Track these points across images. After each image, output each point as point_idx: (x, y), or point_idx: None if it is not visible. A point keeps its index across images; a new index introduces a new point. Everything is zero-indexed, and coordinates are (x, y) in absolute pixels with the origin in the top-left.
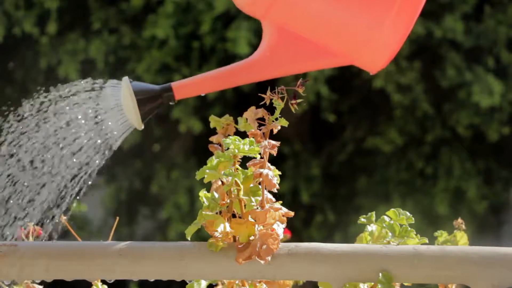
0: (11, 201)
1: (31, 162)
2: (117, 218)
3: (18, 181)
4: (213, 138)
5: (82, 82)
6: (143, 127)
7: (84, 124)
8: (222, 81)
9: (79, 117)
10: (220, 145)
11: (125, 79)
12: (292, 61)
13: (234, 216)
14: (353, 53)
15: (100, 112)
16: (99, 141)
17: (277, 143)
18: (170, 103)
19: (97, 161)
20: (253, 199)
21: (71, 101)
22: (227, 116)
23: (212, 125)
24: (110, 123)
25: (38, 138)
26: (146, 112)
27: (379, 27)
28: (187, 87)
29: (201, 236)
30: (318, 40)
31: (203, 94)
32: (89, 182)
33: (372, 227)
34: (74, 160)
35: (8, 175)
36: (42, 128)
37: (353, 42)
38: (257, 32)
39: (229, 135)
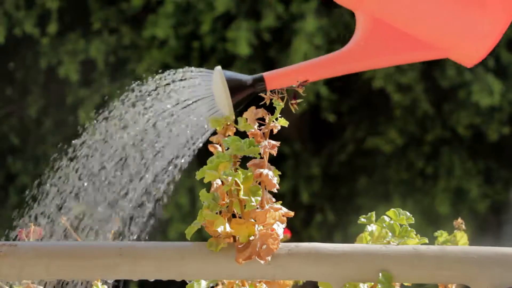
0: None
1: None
2: (117, 218)
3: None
4: (213, 138)
5: (173, 71)
6: (234, 117)
7: (176, 114)
8: (314, 72)
9: (172, 106)
10: (220, 145)
11: (218, 68)
12: (386, 53)
13: (234, 216)
14: (451, 45)
15: (192, 101)
16: (189, 131)
17: (277, 143)
18: (261, 94)
19: (188, 152)
20: (253, 199)
21: (165, 90)
22: (227, 116)
23: (211, 125)
24: (201, 113)
25: (134, 128)
26: (238, 101)
27: (481, 18)
28: (279, 78)
29: (202, 236)
30: (414, 32)
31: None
32: (179, 171)
33: (372, 227)
34: (166, 150)
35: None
36: (138, 118)
37: (453, 34)
38: (257, 32)
39: (229, 135)
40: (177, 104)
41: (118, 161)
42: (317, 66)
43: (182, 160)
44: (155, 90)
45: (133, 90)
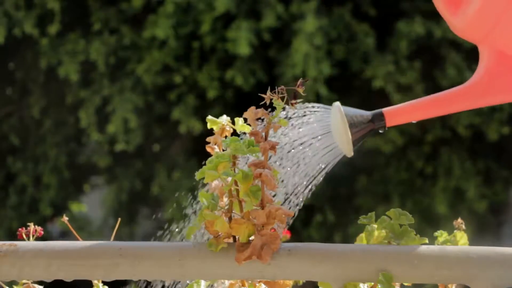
0: None
1: None
2: (119, 219)
3: None
4: (210, 139)
5: (297, 106)
6: (352, 154)
7: (297, 147)
8: (437, 109)
9: (293, 140)
10: (217, 146)
11: (337, 104)
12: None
13: (234, 216)
14: None
15: (311, 136)
16: (309, 166)
17: (277, 143)
18: (380, 131)
19: (305, 187)
20: (253, 199)
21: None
22: (224, 116)
23: (209, 126)
24: (318, 149)
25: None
26: (358, 138)
27: None
28: (399, 115)
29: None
30: None
31: (413, 121)
32: (298, 207)
33: (372, 227)
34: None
35: None
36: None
37: None
38: (257, 32)
39: (226, 136)
40: (296, 140)
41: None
42: (439, 102)
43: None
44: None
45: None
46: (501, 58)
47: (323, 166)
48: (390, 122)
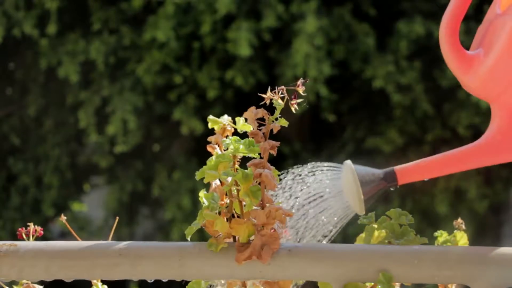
0: None
1: None
2: (117, 218)
3: None
4: (211, 139)
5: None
6: (364, 212)
7: (309, 206)
8: (449, 167)
9: (304, 199)
10: (219, 145)
11: (348, 163)
12: None
13: (234, 216)
14: None
15: (322, 196)
16: (320, 225)
17: (277, 143)
18: (391, 189)
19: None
20: (253, 199)
21: (300, 183)
22: (225, 116)
23: (210, 126)
24: (330, 207)
25: None
26: (369, 197)
27: None
28: (411, 173)
29: (204, 237)
30: None
31: (425, 179)
32: None
33: (372, 227)
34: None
35: None
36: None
37: None
38: (258, 33)
39: (227, 136)
40: (307, 199)
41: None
42: (451, 160)
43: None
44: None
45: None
46: None
47: (334, 226)
48: (402, 180)
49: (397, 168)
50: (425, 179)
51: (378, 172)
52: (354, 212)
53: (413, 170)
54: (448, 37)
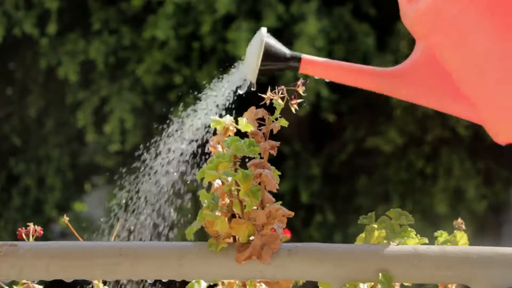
0: None
1: None
2: (119, 218)
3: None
4: (213, 138)
5: None
6: (254, 82)
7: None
8: (349, 76)
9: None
10: (221, 146)
11: (264, 30)
12: (428, 91)
13: (234, 216)
14: (488, 118)
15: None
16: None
17: (277, 143)
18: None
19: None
20: (253, 199)
21: None
22: (227, 116)
23: (212, 126)
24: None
25: None
26: (266, 70)
27: None
28: (314, 65)
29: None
30: (462, 86)
31: (326, 80)
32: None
33: (372, 227)
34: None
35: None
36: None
37: (493, 109)
38: None
39: (229, 136)
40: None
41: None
42: (353, 70)
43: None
44: None
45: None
46: (431, 61)
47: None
48: (304, 68)
49: (305, 56)
50: (326, 80)
51: (287, 51)
52: (247, 81)
53: (319, 64)
54: None
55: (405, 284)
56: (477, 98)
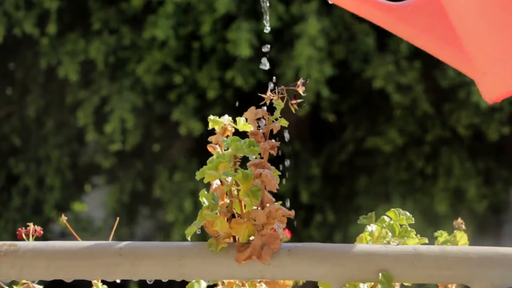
0: None
1: None
2: (117, 218)
3: None
4: (212, 138)
5: None
6: None
7: None
8: (359, 3)
9: None
10: (219, 145)
11: None
12: (424, 30)
13: (234, 216)
14: (482, 65)
15: None
16: None
17: (277, 143)
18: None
19: None
20: (253, 199)
21: None
22: (226, 116)
23: (211, 126)
24: None
25: None
26: None
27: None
28: None
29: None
30: (459, 26)
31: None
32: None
33: (372, 227)
34: None
35: None
36: None
37: (483, 60)
38: (258, 33)
39: (228, 136)
40: None
41: None
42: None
43: None
44: None
45: None
46: (432, 1)
47: None
48: None
49: None
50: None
51: None
52: None
53: None
54: None
55: (405, 284)
56: (474, 41)
